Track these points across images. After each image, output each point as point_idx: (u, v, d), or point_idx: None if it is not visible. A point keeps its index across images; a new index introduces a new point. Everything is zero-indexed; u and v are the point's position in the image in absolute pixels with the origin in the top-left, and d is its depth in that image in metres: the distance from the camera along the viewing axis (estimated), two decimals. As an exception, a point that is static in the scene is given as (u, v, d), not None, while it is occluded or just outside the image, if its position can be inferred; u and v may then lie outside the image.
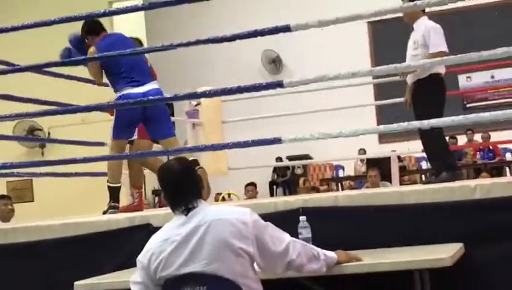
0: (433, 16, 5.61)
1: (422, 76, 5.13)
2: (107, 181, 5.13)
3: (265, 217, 2.94)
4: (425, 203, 3.55)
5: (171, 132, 5.20)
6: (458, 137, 11.13)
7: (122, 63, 4.99)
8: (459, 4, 4.62)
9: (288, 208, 3.71)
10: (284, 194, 12.38)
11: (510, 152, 11.37)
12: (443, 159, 5.17)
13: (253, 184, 10.18)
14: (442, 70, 5.21)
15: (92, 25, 5.17)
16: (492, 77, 12.10)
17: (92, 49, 5.07)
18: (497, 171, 10.57)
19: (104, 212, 4.96)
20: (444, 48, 5.11)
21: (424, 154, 11.29)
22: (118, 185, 5.16)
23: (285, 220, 3.43)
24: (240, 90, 4.19)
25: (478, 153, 11.11)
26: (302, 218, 3.28)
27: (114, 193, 5.10)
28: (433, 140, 5.15)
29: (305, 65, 11.87)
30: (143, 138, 5.53)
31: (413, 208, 3.58)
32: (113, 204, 5.03)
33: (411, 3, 4.21)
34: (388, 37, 12.74)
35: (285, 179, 12.55)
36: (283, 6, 12.66)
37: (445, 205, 3.54)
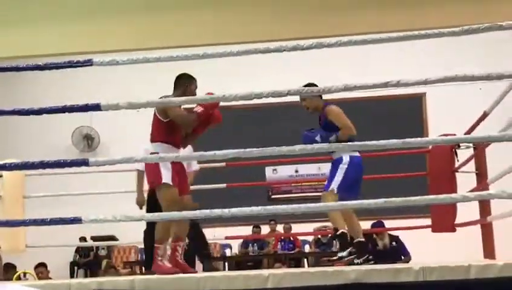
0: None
1: None
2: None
3: (58, 299, 2.84)
4: (220, 290, 3.62)
5: None
6: (262, 227, 11.51)
7: None
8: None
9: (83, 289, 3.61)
10: (85, 276, 11.91)
11: (308, 244, 11.89)
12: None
13: (43, 265, 9.66)
14: None
15: None
16: (297, 171, 12.77)
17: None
18: (295, 261, 10.98)
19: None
20: None
21: (229, 241, 11.57)
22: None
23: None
24: (43, 165, 4.08)
25: (279, 243, 11.52)
26: (96, 301, 3.21)
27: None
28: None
29: (125, 144, 11.62)
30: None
31: (209, 294, 3.62)
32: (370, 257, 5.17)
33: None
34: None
35: (88, 260, 12.14)
36: (105, 82, 12.56)
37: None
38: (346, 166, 5.29)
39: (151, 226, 5.66)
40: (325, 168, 12.70)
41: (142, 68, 10.47)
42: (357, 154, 5.41)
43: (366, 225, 9.33)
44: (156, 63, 4.49)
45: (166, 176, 4.88)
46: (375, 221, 8.93)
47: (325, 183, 5.42)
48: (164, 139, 4.97)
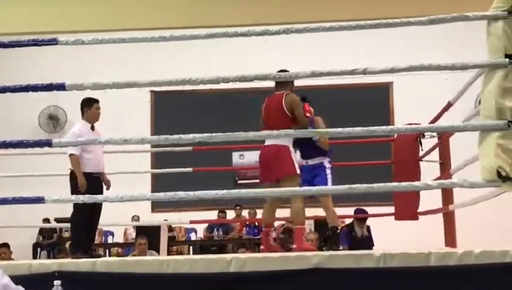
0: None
1: None
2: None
3: (18, 279, 2.81)
4: (183, 274, 3.62)
5: None
6: (227, 212, 11.53)
7: None
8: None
9: (43, 271, 3.59)
10: (48, 257, 11.81)
11: (274, 230, 11.92)
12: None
13: (5, 246, 9.54)
14: None
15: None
16: (263, 156, 12.76)
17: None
18: (260, 247, 11.00)
19: None
20: None
21: (194, 225, 11.56)
22: None
23: (40, 284, 3.31)
24: (6, 145, 4.03)
25: (244, 228, 11.54)
26: (57, 282, 3.19)
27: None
28: None
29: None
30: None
31: (172, 277, 3.63)
32: None
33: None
34: (170, 108, 13.00)
35: (51, 241, 12.04)
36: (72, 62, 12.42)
37: (201, 276, 3.64)
38: (330, 171, 5.90)
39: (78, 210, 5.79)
40: (292, 154, 12.86)
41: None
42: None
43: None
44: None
45: (298, 168, 5.39)
46: (355, 208, 8.92)
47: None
48: None
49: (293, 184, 5.16)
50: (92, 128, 6.05)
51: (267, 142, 5.47)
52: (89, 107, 6.05)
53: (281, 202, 5.89)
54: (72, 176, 5.86)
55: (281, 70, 5.38)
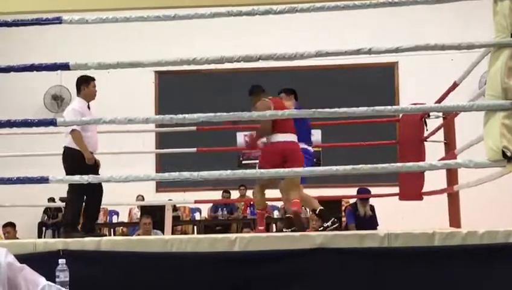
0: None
1: None
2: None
3: (24, 258, 2.81)
4: (188, 253, 3.63)
5: None
6: (232, 192, 11.54)
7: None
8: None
9: (48, 249, 3.60)
10: (53, 236, 11.86)
11: (277, 210, 11.96)
12: None
13: (11, 225, 9.59)
14: None
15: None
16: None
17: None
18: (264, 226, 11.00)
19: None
20: None
21: (198, 205, 11.58)
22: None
23: (45, 262, 3.31)
24: (10, 124, 4.03)
25: (249, 208, 11.55)
26: (61, 261, 3.19)
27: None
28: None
29: (95, 105, 11.53)
30: None
31: (176, 256, 3.64)
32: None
33: None
34: (174, 88, 12.98)
35: (56, 221, 12.08)
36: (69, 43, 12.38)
37: (207, 255, 3.65)
38: None
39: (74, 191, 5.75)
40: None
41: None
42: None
43: (338, 192, 9.42)
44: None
45: None
46: (358, 188, 8.90)
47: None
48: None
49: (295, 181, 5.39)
50: (88, 107, 5.96)
51: (290, 138, 5.50)
52: (86, 84, 5.93)
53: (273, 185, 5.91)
54: (67, 153, 5.76)
55: (255, 86, 5.86)
